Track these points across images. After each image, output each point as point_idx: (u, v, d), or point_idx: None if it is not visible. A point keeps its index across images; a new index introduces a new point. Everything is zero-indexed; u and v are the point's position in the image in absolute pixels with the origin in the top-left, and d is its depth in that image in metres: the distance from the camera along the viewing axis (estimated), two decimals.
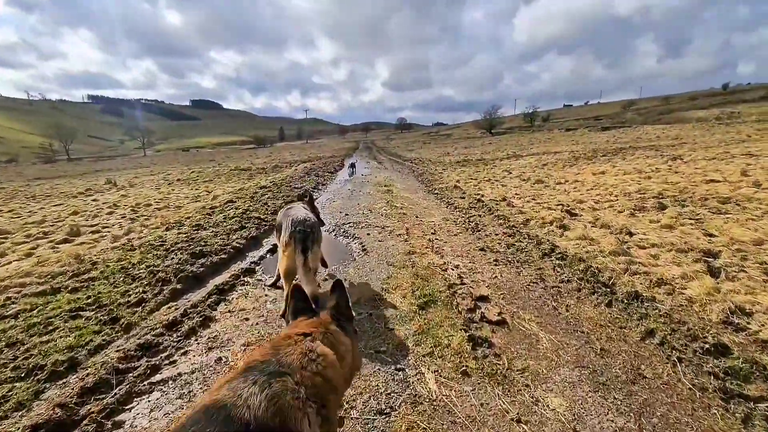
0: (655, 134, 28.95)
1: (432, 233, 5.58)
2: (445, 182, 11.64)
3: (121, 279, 3.79)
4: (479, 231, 5.73)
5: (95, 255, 4.74)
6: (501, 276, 3.95)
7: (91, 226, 8.00)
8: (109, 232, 7.10)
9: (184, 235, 5.26)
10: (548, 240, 4.99)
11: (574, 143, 28.13)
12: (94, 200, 13.31)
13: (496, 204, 7.81)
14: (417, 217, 6.70)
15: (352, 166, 16.59)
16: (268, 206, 7.54)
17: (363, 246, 5.02)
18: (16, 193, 18.20)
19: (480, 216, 6.74)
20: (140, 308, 3.18)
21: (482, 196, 8.86)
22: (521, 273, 4.02)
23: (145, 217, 8.50)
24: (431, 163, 19.65)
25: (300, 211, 3.43)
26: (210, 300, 3.40)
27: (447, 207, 7.81)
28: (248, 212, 6.87)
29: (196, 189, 14.19)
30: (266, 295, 3.62)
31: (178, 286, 3.62)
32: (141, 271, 3.93)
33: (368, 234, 5.59)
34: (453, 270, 4.05)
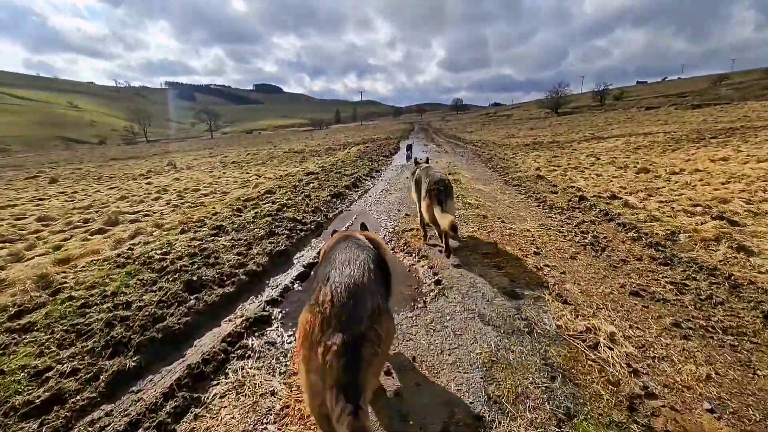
0: (767, 112, 23.57)
1: (533, 251, 3.78)
2: (522, 170, 9.52)
3: (61, 334, 2.49)
4: (606, 250, 3.81)
5: (72, 272, 3.62)
6: (716, 373, 2.03)
7: (133, 213, 7.51)
8: (147, 219, 6.32)
9: (197, 243, 4.04)
10: (739, 276, 2.99)
11: (663, 123, 23.91)
12: (148, 183, 13.23)
13: (606, 203, 5.74)
14: (502, 221, 4.89)
15: (409, 148, 14.90)
16: (310, 201, 6.18)
17: (435, 273, 3.39)
18: (88, 173, 19.08)
19: (593, 223, 4.75)
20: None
21: (580, 190, 6.76)
22: (755, 370, 2.07)
23: (189, 204, 7.80)
24: (497, 146, 17.29)
25: (437, 172, 4.20)
26: (170, 405, 1.90)
27: (539, 206, 5.85)
28: (284, 209, 5.55)
29: (247, 172, 13.63)
30: (272, 390, 2.02)
31: (132, 362, 2.20)
32: (97, 319, 2.61)
33: (440, 250, 3.94)
34: (609, 348, 2.20)
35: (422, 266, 3.60)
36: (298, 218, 4.88)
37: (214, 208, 6.31)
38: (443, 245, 3.86)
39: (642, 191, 6.86)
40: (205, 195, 9.60)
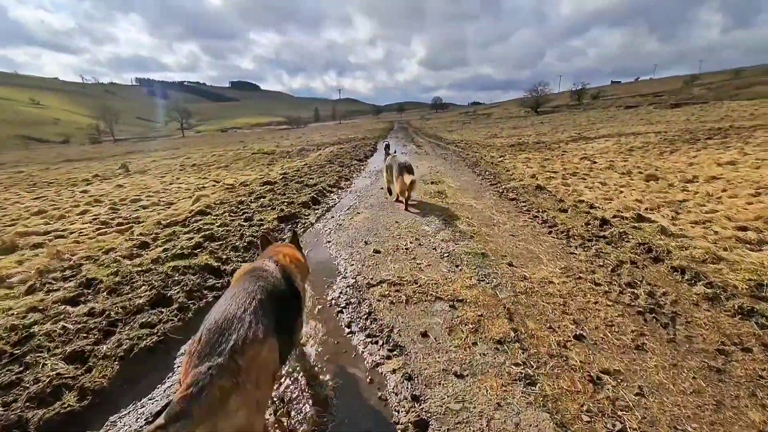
0: (747, 112, 23.57)
1: (572, 333, 2.33)
2: (516, 177, 8.18)
3: None
4: (679, 325, 2.42)
5: None
6: None
7: (43, 234, 5.83)
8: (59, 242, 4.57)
9: (27, 320, 2.41)
10: None
11: (648, 123, 23.54)
12: (84, 191, 11.30)
13: (635, 227, 4.43)
14: (510, 263, 3.45)
15: (387, 147, 13.37)
16: (249, 227, 4.56)
17: (414, 397, 1.89)
18: (26, 178, 16.67)
19: (635, 265, 3.35)
20: None
21: (593, 206, 5.47)
22: None
23: (119, 221, 6.22)
24: (481, 147, 16.05)
25: (402, 157, 6.25)
26: None
27: (550, 232, 4.44)
28: (205, 245, 3.93)
29: (205, 178, 11.79)
30: None
31: None
32: None
33: (421, 333, 2.43)
34: None
35: (391, 380, 2.05)
36: (215, 265, 3.29)
37: (123, 236, 4.62)
38: (405, 204, 5.75)
39: (664, 206, 5.66)
40: (145, 207, 7.93)
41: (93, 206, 8.45)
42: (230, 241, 4.10)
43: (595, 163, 10.33)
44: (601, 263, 3.46)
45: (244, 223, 4.80)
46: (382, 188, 7.52)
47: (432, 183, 7.79)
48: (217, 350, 1.18)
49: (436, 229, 4.53)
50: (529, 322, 2.46)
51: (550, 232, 4.45)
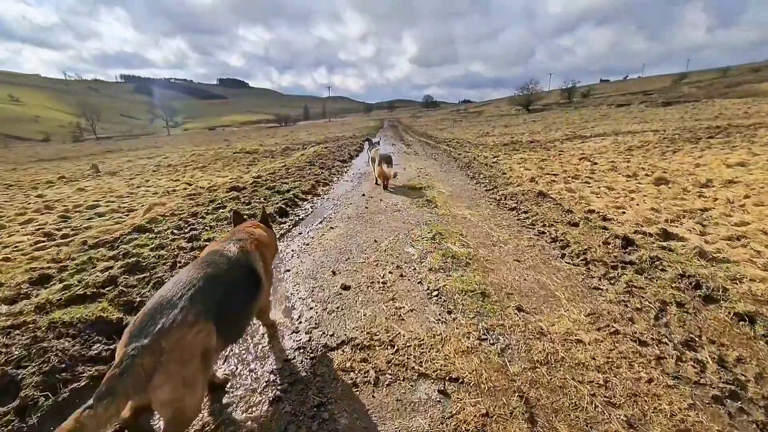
0: (740, 110, 23.35)
1: None
2: (514, 181, 7.34)
3: None
4: None
5: None
6: None
7: None
8: None
9: None
10: None
11: (643, 121, 23.16)
12: (39, 195, 10.24)
13: (665, 247, 3.63)
14: (519, 307, 2.53)
15: (368, 141, 12.38)
16: (181, 256, 3.57)
17: None
18: None
19: (683, 308, 2.47)
20: None
21: (607, 218, 4.69)
22: None
23: (66, 232, 5.34)
24: (473, 146, 15.26)
25: (384, 147, 8.51)
26: None
27: (563, 255, 3.52)
28: (112, 286, 2.95)
29: (178, 180, 10.88)
30: None
31: None
32: None
33: None
34: None
35: None
36: (113, 318, 2.30)
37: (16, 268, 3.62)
38: (384, 186, 7.02)
39: (685, 216, 4.90)
40: (101, 215, 7.01)
41: (42, 214, 7.45)
42: (156, 272, 3.14)
43: (596, 164, 9.61)
44: (639, 305, 2.61)
45: (185, 245, 3.84)
46: (363, 195, 6.62)
47: (420, 189, 6.89)
48: (145, 332, 1.30)
49: (422, 252, 3.64)
50: (560, 427, 1.59)
51: (562, 255, 3.59)
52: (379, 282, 3.04)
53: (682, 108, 32.12)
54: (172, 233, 4.19)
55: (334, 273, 3.28)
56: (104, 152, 35.60)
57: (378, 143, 8.64)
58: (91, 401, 1.11)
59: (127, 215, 6.69)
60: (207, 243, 3.89)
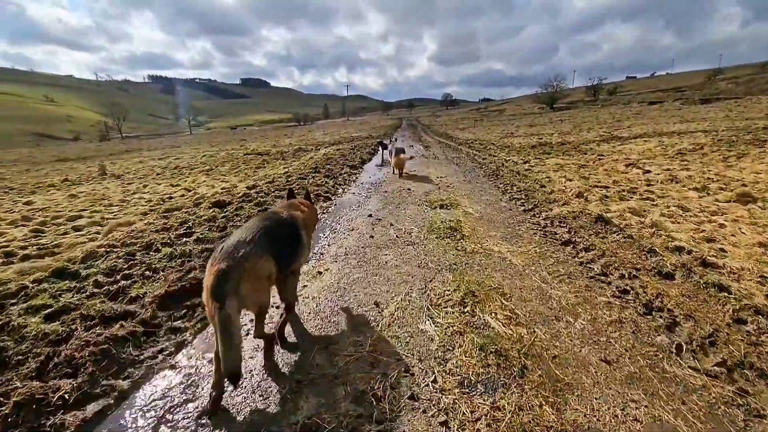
0: None
1: None
2: (557, 198, 5.92)
3: None
4: None
5: None
6: None
7: None
8: None
9: None
10: None
11: (683, 121, 21.05)
12: (27, 202, 9.60)
13: None
14: None
15: (383, 146, 11.18)
16: (82, 333, 2.38)
17: None
18: None
19: None
20: None
21: (707, 262, 3.25)
22: None
23: (32, 251, 4.55)
24: (498, 149, 13.78)
25: (398, 143, 11.54)
26: None
27: (679, 349, 2.16)
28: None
29: (178, 185, 10.13)
30: None
31: None
32: None
33: None
34: None
35: None
36: None
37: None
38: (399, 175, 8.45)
39: None
40: (78, 230, 6.20)
41: (17, 226, 6.63)
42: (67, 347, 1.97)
43: (648, 172, 8.10)
44: None
45: (99, 307, 2.65)
46: (370, 215, 5.33)
47: (441, 207, 5.54)
48: (231, 256, 1.81)
49: (446, 336, 2.28)
50: None
51: (677, 348, 2.19)
52: (370, 421, 1.73)
53: (724, 106, 29.43)
54: (96, 283, 3.03)
55: (298, 384, 1.99)
56: (123, 152, 35.77)
57: (394, 140, 10.35)
58: (213, 305, 1.67)
59: (103, 228, 5.80)
60: (131, 306, 2.69)
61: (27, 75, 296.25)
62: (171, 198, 8.47)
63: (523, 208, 5.52)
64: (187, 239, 4.25)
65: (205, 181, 10.71)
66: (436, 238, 4.17)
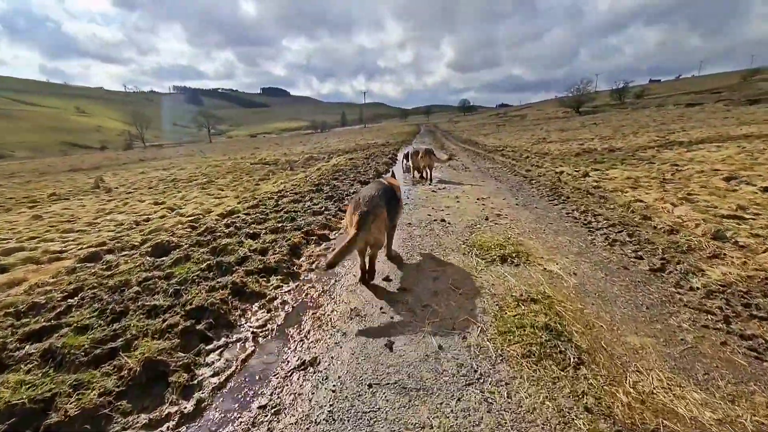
0: None
1: None
2: (681, 239, 3.74)
3: None
4: None
5: None
6: None
7: None
8: None
9: None
10: None
11: (742, 123, 18.17)
12: None
13: None
14: None
15: (407, 157, 9.18)
16: None
17: None
18: None
19: None
20: None
21: None
22: None
23: None
24: (538, 157, 11.56)
25: (422, 146, 9.31)
26: None
27: None
28: None
29: (165, 202, 8.66)
30: None
31: None
32: None
33: None
34: None
35: None
36: None
37: None
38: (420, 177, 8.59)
39: None
40: (11, 266, 4.42)
41: None
42: None
43: (750, 184, 5.86)
44: None
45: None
46: (386, 281, 3.31)
47: (503, 261, 3.38)
48: (369, 204, 2.90)
49: None
50: None
51: None
52: None
53: None
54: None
55: None
56: (138, 161, 35.10)
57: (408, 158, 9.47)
58: (356, 231, 2.76)
59: (53, 259, 4.05)
60: None
61: (60, 88, 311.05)
62: (148, 220, 6.97)
63: (643, 263, 3.34)
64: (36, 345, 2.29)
65: (196, 197, 9.05)
66: (525, 360, 2.04)
